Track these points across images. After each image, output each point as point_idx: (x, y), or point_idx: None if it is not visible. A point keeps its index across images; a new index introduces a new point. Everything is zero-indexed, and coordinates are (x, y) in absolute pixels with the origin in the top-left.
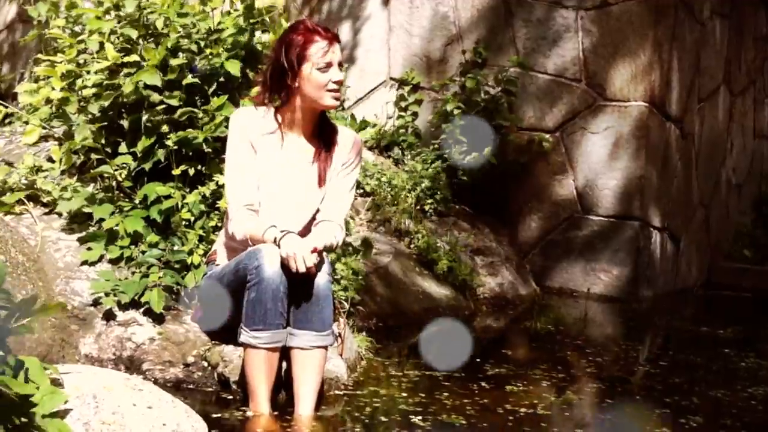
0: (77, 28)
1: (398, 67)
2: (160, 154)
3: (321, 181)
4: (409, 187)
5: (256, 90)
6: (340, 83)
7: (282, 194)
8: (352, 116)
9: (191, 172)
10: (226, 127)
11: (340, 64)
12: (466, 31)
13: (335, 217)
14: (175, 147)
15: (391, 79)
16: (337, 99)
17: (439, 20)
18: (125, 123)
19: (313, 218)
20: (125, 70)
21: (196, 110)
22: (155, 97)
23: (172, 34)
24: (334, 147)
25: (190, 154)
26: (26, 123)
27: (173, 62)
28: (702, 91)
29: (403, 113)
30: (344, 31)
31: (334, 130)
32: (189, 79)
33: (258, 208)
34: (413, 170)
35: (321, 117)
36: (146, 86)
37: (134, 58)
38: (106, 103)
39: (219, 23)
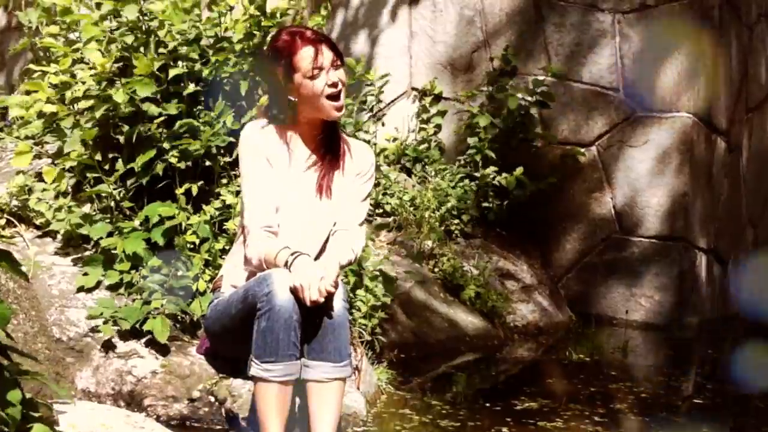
0: (73, 36)
1: (421, 76)
2: (159, 168)
3: (328, 192)
4: (433, 206)
5: (264, 100)
6: (336, 85)
7: (294, 212)
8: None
9: (194, 190)
10: (233, 138)
11: (334, 64)
12: (494, 37)
13: (350, 225)
14: (178, 164)
15: (413, 89)
16: (338, 109)
17: (464, 25)
18: (121, 138)
19: (329, 232)
20: (122, 80)
21: (195, 121)
22: (153, 109)
23: (171, 42)
24: (345, 159)
25: (188, 165)
26: (18, 138)
27: (173, 71)
28: (750, 100)
29: (425, 126)
30: (362, 36)
31: (344, 142)
32: (190, 88)
33: (276, 229)
34: (438, 188)
35: (330, 129)
36: (144, 98)
37: (130, 63)
38: (98, 114)
39: (226, 29)
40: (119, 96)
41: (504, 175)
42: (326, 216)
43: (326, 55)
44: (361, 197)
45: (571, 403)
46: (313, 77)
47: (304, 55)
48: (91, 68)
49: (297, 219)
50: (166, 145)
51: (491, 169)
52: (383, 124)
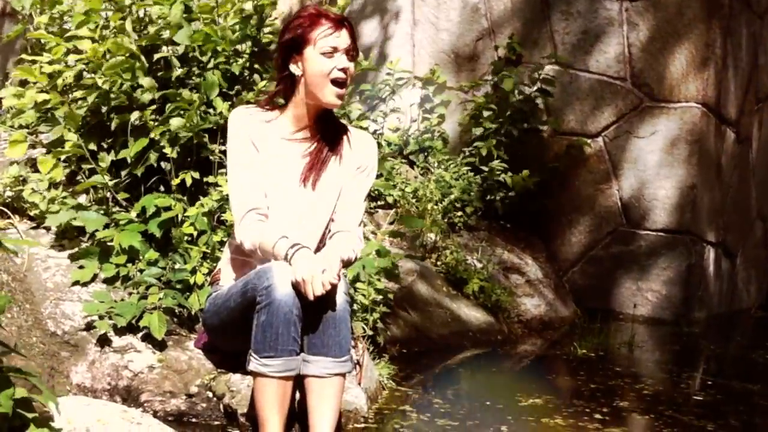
0: (67, 25)
1: (424, 65)
2: (153, 158)
3: (315, 182)
4: (436, 198)
5: (262, 84)
6: (345, 71)
7: (281, 200)
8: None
9: (189, 180)
10: (224, 122)
11: (349, 53)
12: (499, 25)
13: (351, 226)
14: (171, 153)
15: (416, 78)
16: (340, 97)
17: (469, 13)
18: (113, 126)
19: (326, 226)
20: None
21: (184, 104)
22: (145, 96)
23: (152, 27)
24: (344, 149)
25: (179, 152)
26: (12, 128)
27: (156, 55)
28: (760, 90)
29: (429, 116)
30: (364, 24)
31: (343, 129)
32: (177, 71)
33: (266, 212)
34: (441, 179)
35: (328, 116)
36: (137, 85)
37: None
38: (90, 99)
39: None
40: (105, 83)
41: (510, 174)
42: (314, 206)
43: (344, 40)
44: (361, 195)
45: (574, 399)
46: (325, 54)
47: (323, 31)
48: (83, 56)
49: (284, 206)
50: (155, 133)
51: (497, 163)
52: (386, 114)
